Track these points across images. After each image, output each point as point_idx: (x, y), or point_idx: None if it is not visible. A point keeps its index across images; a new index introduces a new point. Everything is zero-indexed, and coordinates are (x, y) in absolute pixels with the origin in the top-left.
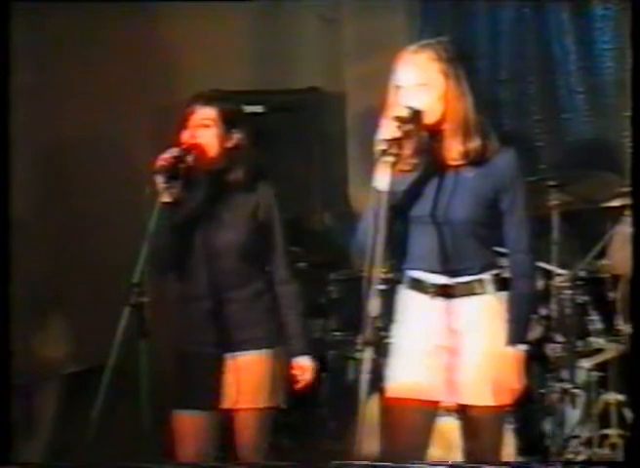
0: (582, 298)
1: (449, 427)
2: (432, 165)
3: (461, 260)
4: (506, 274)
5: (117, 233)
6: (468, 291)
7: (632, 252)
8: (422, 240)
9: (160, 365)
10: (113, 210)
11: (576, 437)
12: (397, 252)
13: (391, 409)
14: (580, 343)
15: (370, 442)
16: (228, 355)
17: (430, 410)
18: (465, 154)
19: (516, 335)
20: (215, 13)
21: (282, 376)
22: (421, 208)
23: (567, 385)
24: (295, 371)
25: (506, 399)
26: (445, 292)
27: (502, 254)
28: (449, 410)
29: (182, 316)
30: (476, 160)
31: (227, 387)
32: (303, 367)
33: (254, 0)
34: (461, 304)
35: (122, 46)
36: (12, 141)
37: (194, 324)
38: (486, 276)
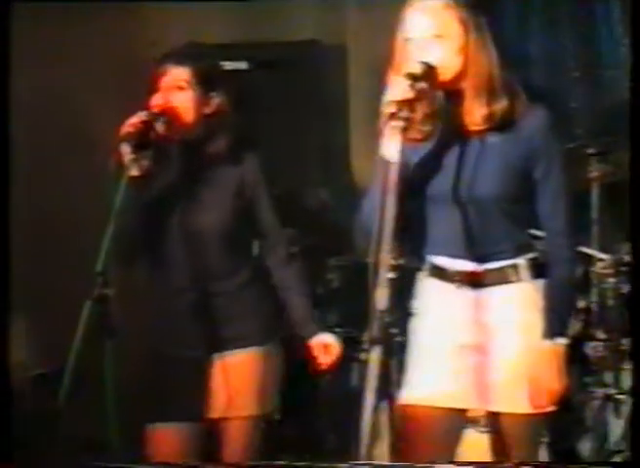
0: (628, 288)
1: (475, 440)
2: (451, 131)
3: (491, 243)
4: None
5: (79, 213)
6: (501, 278)
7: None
8: (444, 220)
9: (130, 368)
10: (74, 186)
11: (619, 452)
12: (411, 234)
13: (406, 421)
14: (625, 341)
15: (378, 459)
16: (215, 355)
17: (455, 421)
18: (490, 117)
19: (555, 327)
20: None
21: (275, 378)
22: (440, 183)
23: (610, 390)
24: (316, 352)
25: (544, 403)
26: (473, 280)
27: (539, 237)
28: (475, 420)
29: (159, 312)
30: (503, 123)
31: (216, 393)
32: (327, 344)
33: None
34: (492, 294)
35: None
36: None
37: (173, 321)
38: (521, 261)
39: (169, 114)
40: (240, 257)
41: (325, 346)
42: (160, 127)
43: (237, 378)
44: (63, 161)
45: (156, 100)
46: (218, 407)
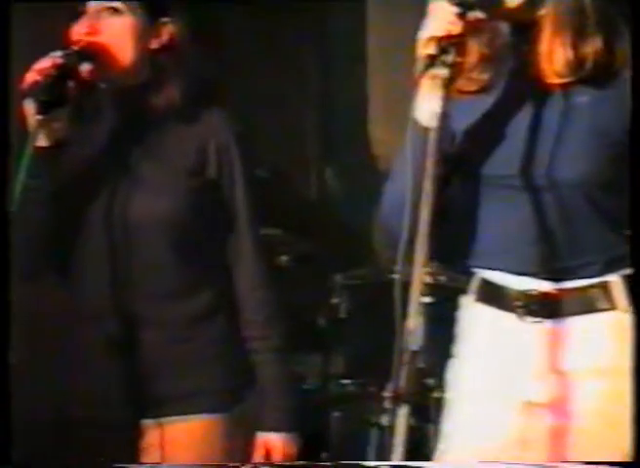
0: None
1: None
2: (520, 83)
3: (573, 252)
4: None
5: None
6: (586, 304)
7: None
8: (505, 216)
9: (39, 418)
10: None
11: None
12: (458, 237)
13: None
14: None
15: None
16: (149, 421)
17: None
18: (578, 64)
19: None
20: None
21: (246, 457)
22: (503, 161)
23: None
24: (258, 451)
25: None
26: (546, 306)
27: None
28: None
29: (69, 348)
30: (596, 74)
31: None
32: (272, 446)
33: None
34: (574, 327)
35: None
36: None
37: (89, 364)
38: (614, 278)
39: (97, 50)
40: (197, 272)
41: (268, 448)
42: (83, 70)
43: (180, 456)
44: None
45: (79, 31)
46: None
